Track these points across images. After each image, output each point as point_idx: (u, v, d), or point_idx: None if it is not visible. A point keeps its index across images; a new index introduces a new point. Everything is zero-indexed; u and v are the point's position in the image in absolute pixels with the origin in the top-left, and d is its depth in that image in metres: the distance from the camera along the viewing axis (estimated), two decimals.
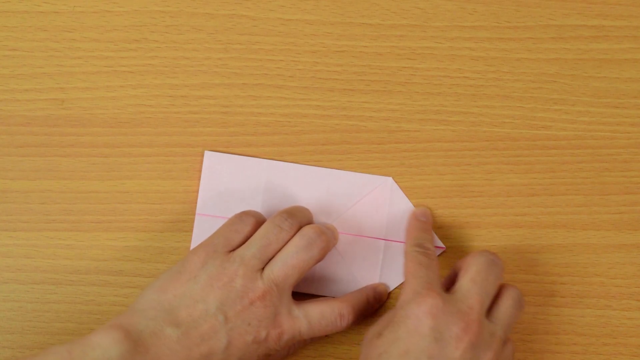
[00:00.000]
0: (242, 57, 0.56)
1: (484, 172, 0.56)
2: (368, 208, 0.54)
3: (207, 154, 0.55)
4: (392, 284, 0.54)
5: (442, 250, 0.54)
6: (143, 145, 0.55)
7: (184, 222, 0.55)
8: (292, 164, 0.55)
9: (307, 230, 0.50)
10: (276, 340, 0.48)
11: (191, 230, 0.54)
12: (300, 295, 0.55)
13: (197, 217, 0.54)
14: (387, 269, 0.54)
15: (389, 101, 0.56)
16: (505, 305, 0.48)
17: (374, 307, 0.53)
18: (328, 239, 0.50)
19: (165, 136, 0.55)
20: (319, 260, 0.50)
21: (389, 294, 0.54)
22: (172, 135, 0.55)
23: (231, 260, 0.48)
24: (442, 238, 0.55)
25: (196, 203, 0.54)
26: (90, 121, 0.55)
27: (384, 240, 0.54)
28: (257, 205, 0.54)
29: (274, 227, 0.49)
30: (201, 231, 0.53)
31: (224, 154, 0.55)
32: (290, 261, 0.48)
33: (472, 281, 0.47)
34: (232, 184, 0.54)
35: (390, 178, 0.55)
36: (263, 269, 0.48)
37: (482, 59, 0.56)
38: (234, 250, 0.49)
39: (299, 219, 0.50)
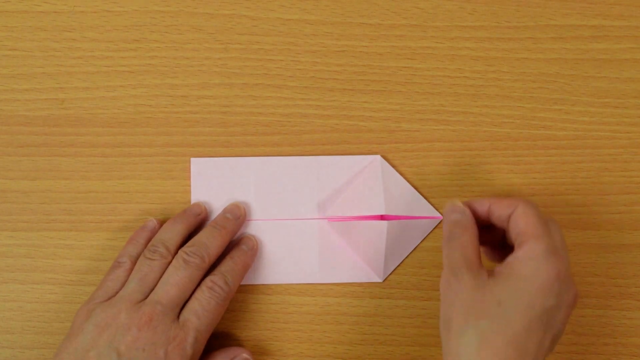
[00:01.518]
0: (242, 57, 0.56)
1: (484, 172, 0.56)
2: (362, 189, 0.54)
3: (194, 161, 0.55)
4: (396, 261, 0.54)
5: (439, 219, 0.55)
6: (143, 145, 0.55)
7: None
8: (277, 157, 0.55)
9: (180, 253, 0.50)
10: (182, 353, 0.47)
11: None
12: (301, 292, 0.55)
13: None
14: (391, 248, 0.54)
15: (389, 101, 0.56)
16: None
17: (246, 257, 0.53)
18: (203, 253, 0.50)
19: (165, 136, 0.55)
20: (202, 276, 0.50)
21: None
22: (172, 135, 0.55)
23: (113, 302, 0.48)
24: (441, 237, 0.55)
25: None
26: (90, 121, 0.55)
27: (385, 222, 0.54)
28: (250, 204, 0.54)
29: (144, 259, 0.50)
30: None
31: (210, 158, 0.55)
32: (169, 280, 0.49)
33: (564, 246, 0.48)
34: (222, 186, 0.55)
35: (379, 156, 0.55)
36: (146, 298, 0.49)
37: (482, 59, 0.56)
38: (113, 297, 0.49)
39: (166, 242, 0.51)
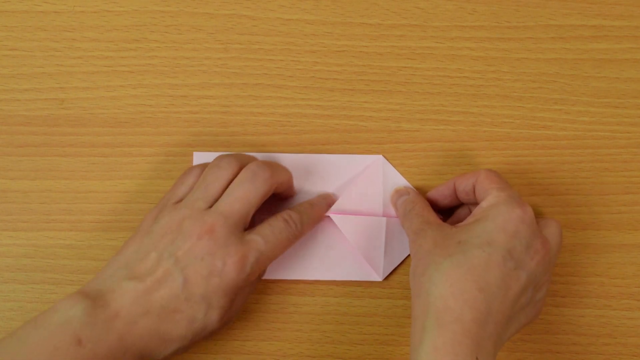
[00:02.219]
0: (242, 57, 0.56)
1: None
2: (363, 187, 0.54)
3: (196, 155, 0.55)
4: (397, 261, 0.54)
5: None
6: (143, 145, 0.55)
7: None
8: (281, 154, 0.55)
9: (250, 164, 0.49)
10: (238, 270, 0.47)
11: None
12: (301, 292, 0.55)
13: None
14: (391, 245, 0.54)
15: (389, 101, 0.56)
16: (556, 234, 0.49)
17: (320, 208, 0.53)
18: (273, 173, 0.49)
19: (165, 136, 0.55)
20: (266, 192, 0.49)
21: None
22: (172, 135, 0.55)
23: (178, 207, 0.48)
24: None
25: None
26: (90, 121, 0.55)
27: (384, 217, 0.54)
28: None
29: (211, 167, 0.50)
30: None
31: (213, 153, 0.55)
32: (235, 193, 0.48)
33: (558, 242, 0.49)
34: None
35: (381, 156, 0.55)
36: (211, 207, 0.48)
37: (482, 59, 0.56)
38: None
39: (238, 158, 0.50)
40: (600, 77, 0.56)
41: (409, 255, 0.55)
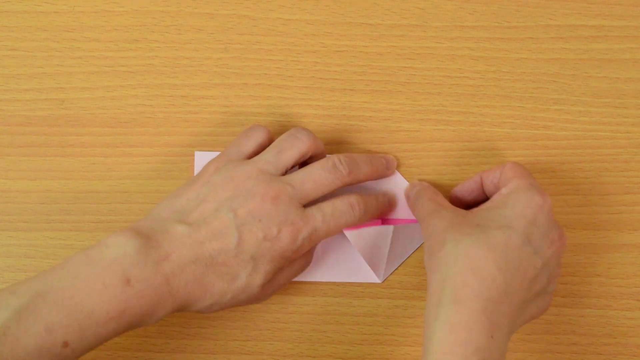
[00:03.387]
0: (242, 57, 0.56)
1: None
2: (363, 189, 0.54)
3: (198, 154, 0.55)
4: (397, 263, 0.54)
5: None
6: (143, 145, 0.55)
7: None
8: None
9: (334, 156, 0.50)
10: (291, 240, 0.47)
11: None
12: (301, 291, 0.55)
13: None
14: (393, 250, 0.54)
15: (389, 101, 0.56)
16: None
17: (382, 208, 0.53)
18: (352, 171, 0.50)
19: (165, 136, 0.55)
20: (339, 187, 0.49)
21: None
22: (172, 135, 0.55)
23: (244, 164, 0.49)
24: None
25: None
26: (90, 121, 0.55)
27: (391, 226, 0.54)
28: None
29: (288, 135, 0.50)
30: None
31: (214, 152, 0.55)
32: (310, 174, 0.49)
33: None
34: None
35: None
36: (281, 175, 0.49)
37: (482, 59, 0.56)
38: (248, 158, 0.50)
39: (314, 135, 0.51)
40: (600, 77, 0.56)
41: (409, 255, 0.55)
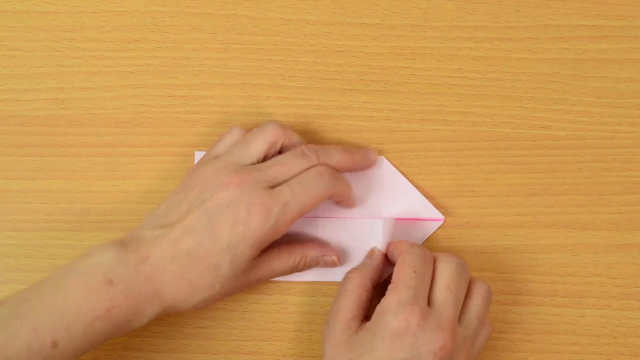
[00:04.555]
0: (242, 57, 0.56)
1: (484, 172, 0.56)
2: (363, 188, 0.54)
3: (198, 154, 0.55)
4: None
5: (441, 221, 0.54)
6: (143, 145, 0.55)
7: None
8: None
9: (302, 145, 0.51)
10: (263, 219, 0.47)
11: None
12: (301, 292, 0.55)
13: None
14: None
15: (389, 101, 0.56)
16: (476, 304, 0.49)
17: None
18: (320, 155, 0.50)
19: (165, 136, 0.55)
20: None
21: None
22: (172, 135, 0.55)
23: (214, 160, 0.49)
24: (441, 238, 0.55)
25: None
26: (90, 121, 0.55)
27: (382, 219, 0.54)
28: None
29: (257, 128, 0.51)
30: None
31: None
32: (278, 162, 0.49)
33: (447, 289, 0.48)
34: None
35: (383, 157, 0.55)
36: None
37: (482, 59, 0.56)
38: None
39: (285, 127, 0.51)
40: (600, 77, 0.56)
41: None
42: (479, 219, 0.55)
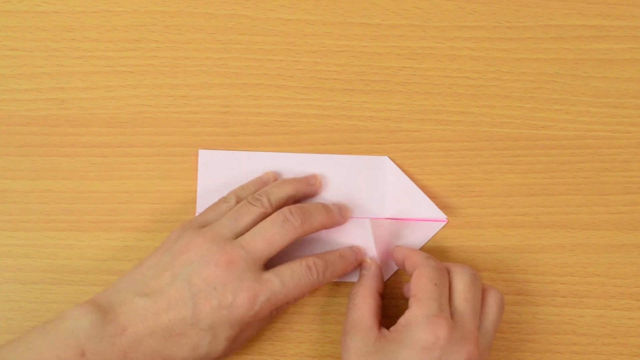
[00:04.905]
0: (242, 57, 0.56)
1: (484, 172, 0.56)
2: (366, 188, 0.54)
3: (202, 153, 0.55)
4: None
5: (444, 222, 0.54)
6: (143, 145, 0.55)
7: (184, 222, 0.55)
8: (286, 153, 0.55)
9: (284, 209, 0.50)
10: (247, 306, 0.47)
11: None
12: None
13: None
14: (393, 247, 0.54)
15: (389, 101, 0.56)
16: (492, 313, 0.49)
17: (349, 262, 0.52)
18: (305, 220, 0.50)
19: (165, 136, 0.55)
20: (294, 239, 0.49)
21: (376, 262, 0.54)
22: (172, 135, 0.55)
23: (202, 231, 0.49)
24: (442, 238, 0.55)
25: (196, 203, 0.55)
26: (90, 121, 0.55)
27: (386, 220, 0.54)
28: None
29: (245, 203, 0.50)
30: None
31: (218, 151, 0.55)
32: (261, 232, 0.48)
33: (465, 300, 0.48)
34: (229, 179, 0.54)
35: (387, 157, 0.55)
36: (236, 238, 0.48)
37: (482, 59, 0.56)
38: None
39: (270, 195, 0.51)
40: (600, 77, 0.56)
41: None
42: (479, 219, 0.55)
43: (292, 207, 0.50)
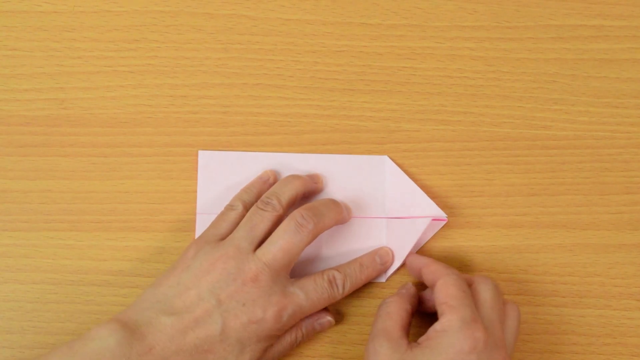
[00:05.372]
0: (242, 57, 0.56)
1: (484, 172, 0.56)
2: (366, 188, 0.55)
3: (202, 154, 0.55)
4: (397, 261, 0.54)
5: (444, 221, 0.54)
6: (143, 145, 0.55)
7: (184, 222, 0.55)
8: (286, 153, 0.55)
9: (295, 213, 0.50)
10: (276, 319, 0.48)
11: (191, 230, 0.54)
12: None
13: (198, 217, 0.54)
14: (394, 247, 0.54)
15: (389, 101, 0.56)
16: (513, 326, 0.49)
17: (373, 271, 0.53)
18: (318, 222, 0.50)
19: (165, 136, 0.55)
20: (310, 241, 0.50)
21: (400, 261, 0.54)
22: (172, 135, 0.55)
23: (221, 245, 0.49)
24: (441, 238, 0.55)
25: (196, 203, 0.55)
26: (90, 121, 0.55)
27: (385, 219, 0.54)
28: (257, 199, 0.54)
29: (255, 209, 0.50)
30: (203, 230, 0.53)
31: (218, 151, 0.55)
32: (278, 243, 0.49)
33: (492, 309, 0.48)
34: (229, 180, 0.55)
35: (386, 156, 0.55)
36: (255, 251, 0.49)
37: (482, 59, 0.56)
38: (223, 239, 0.50)
39: (280, 196, 0.51)
40: (600, 77, 0.56)
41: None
42: (479, 219, 0.55)
43: (302, 210, 0.50)
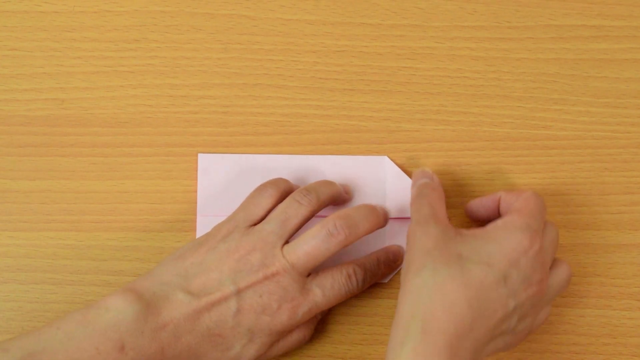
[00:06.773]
0: (242, 57, 0.56)
1: (484, 172, 0.56)
2: (366, 188, 0.54)
3: (201, 157, 0.55)
4: (399, 261, 0.54)
5: None
6: (143, 145, 0.55)
7: (184, 222, 0.55)
8: (286, 155, 0.55)
9: (329, 220, 0.49)
10: (290, 316, 0.48)
11: (191, 230, 0.54)
12: None
13: (198, 218, 0.54)
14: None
15: (389, 101, 0.56)
16: (557, 282, 0.49)
17: (386, 268, 0.53)
18: (350, 233, 0.49)
19: (165, 136, 0.55)
20: (338, 251, 0.49)
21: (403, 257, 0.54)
22: (172, 135, 0.55)
23: (250, 234, 0.49)
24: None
25: (196, 203, 0.55)
26: (90, 121, 0.55)
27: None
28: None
29: (292, 201, 0.50)
30: (204, 232, 0.53)
31: (217, 154, 0.55)
32: (306, 246, 0.48)
33: (550, 244, 0.48)
34: (229, 183, 0.55)
35: (386, 157, 0.55)
36: (283, 246, 0.49)
37: (482, 59, 0.56)
38: (255, 224, 0.50)
39: (319, 194, 0.51)
40: (600, 77, 0.56)
41: None
42: None
43: (337, 219, 0.49)
